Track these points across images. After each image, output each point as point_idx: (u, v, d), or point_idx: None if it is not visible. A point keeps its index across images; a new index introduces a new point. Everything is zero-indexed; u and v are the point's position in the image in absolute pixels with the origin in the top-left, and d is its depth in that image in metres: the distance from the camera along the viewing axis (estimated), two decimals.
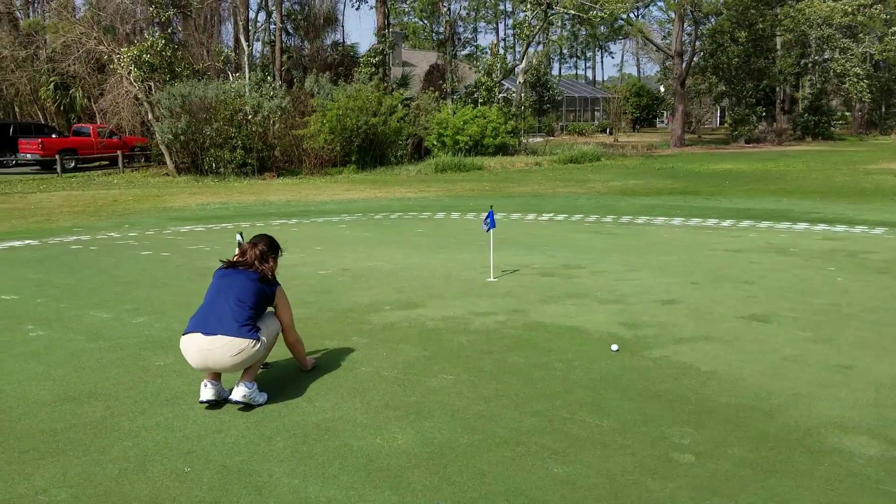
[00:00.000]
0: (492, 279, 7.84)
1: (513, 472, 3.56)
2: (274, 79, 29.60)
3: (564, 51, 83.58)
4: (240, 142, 26.43)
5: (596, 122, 61.54)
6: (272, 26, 32.74)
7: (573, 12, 34.82)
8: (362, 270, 8.46)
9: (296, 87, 29.27)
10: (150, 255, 9.73)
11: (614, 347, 5.42)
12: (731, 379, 4.80)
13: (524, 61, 36.72)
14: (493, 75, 35.53)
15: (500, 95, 36.87)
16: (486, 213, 7.88)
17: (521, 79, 36.97)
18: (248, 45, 29.09)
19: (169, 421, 4.15)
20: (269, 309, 4.61)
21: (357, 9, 67.27)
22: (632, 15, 55.80)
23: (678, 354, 5.30)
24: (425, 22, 71.64)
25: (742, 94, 44.86)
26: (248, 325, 4.24)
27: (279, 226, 12.78)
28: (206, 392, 4.28)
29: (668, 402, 4.41)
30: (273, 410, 4.30)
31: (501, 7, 76.24)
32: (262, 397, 4.39)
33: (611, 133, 52.30)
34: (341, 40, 37.65)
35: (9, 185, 23.69)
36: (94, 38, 26.91)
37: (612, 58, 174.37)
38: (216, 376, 4.35)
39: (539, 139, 43.89)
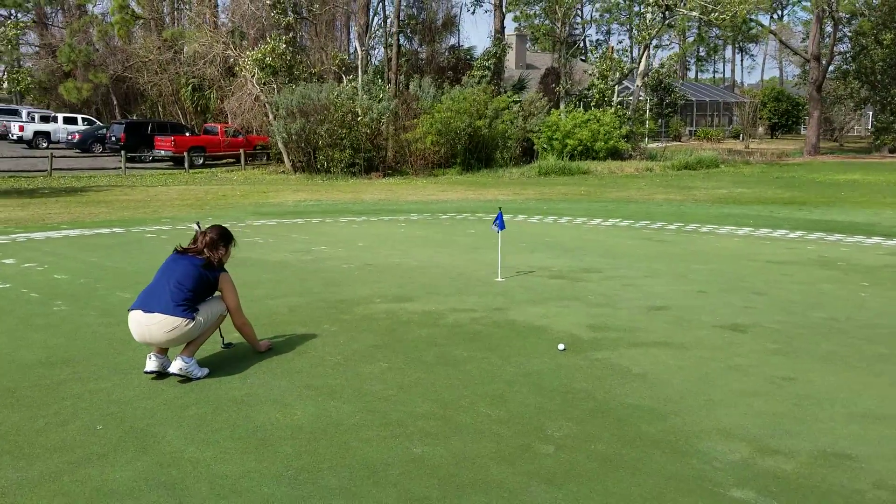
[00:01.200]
0: (499, 279, 8.06)
1: (374, 449, 3.86)
2: (386, 82, 30.59)
3: (700, 53, 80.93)
4: (349, 142, 27.55)
5: (730, 128, 59.36)
6: (390, 30, 33.79)
7: (695, 14, 33.88)
8: (384, 266, 8.89)
9: (405, 89, 30.13)
10: None
11: (560, 347, 5.57)
12: (655, 382, 4.88)
13: (642, 64, 36.08)
14: (609, 78, 35.14)
15: (617, 99, 36.41)
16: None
17: (638, 82, 36.36)
18: (363, 49, 30.21)
19: (112, 387, 4.71)
20: (217, 293, 5.10)
21: (472, 13, 67.82)
22: (765, 16, 53.38)
23: (620, 357, 5.39)
24: (556, 24, 71.44)
25: (887, 100, 42.08)
26: (183, 306, 4.73)
27: (346, 222, 13.42)
28: (150, 364, 4.81)
29: (569, 399, 4.55)
30: (206, 384, 4.79)
31: (636, 9, 74.71)
32: (202, 372, 4.88)
33: (742, 139, 50.34)
34: (458, 44, 38.26)
35: (139, 179, 25.79)
36: (223, 42, 28.76)
37: (753, 60, 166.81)
38: (162, 350, 4.88)
39: (658, 144, 42.94)
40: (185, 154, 29.20)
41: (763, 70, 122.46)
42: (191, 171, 28.78)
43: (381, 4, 32.86)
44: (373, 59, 33.92)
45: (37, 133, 36.36)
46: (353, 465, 3.67)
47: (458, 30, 36.75)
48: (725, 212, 15.28)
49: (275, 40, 27.73)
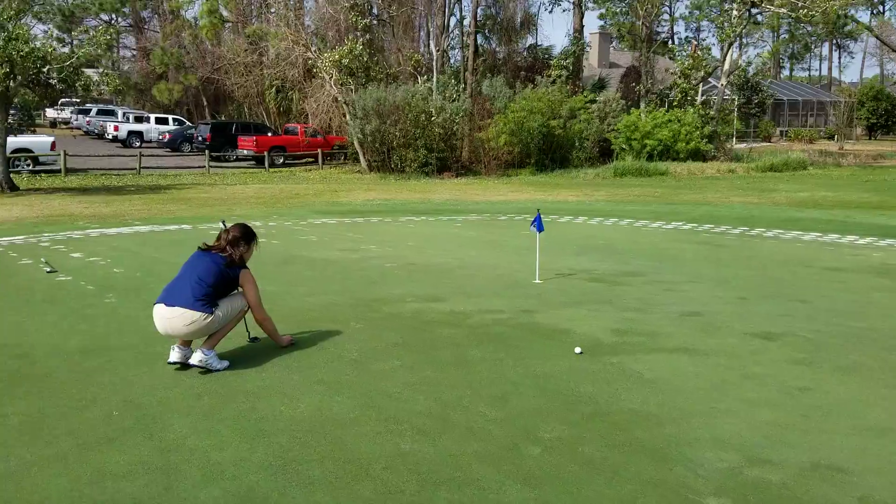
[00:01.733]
0: (537, 281, 8.08)
1: (364, 444, 3.99)
2: (460, 82, 30.77)
3: (794, 50, 78.08)
4: (423, 142, 27.86)
5: (824, 129, 57.10)
6: (467, 30, 33.96)
7: (783, 10, 32.79)
8: (426, 266, 9.03)
9: (479, 89, 30.24)
10: (263, 242, 10.92)
11: (577, 350, 5.58)
12: (664, 388, 4.85)
13: (727, 62, 35.13)
14: (692, 77, 34.37)
15: (700, 98, 35.59)
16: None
17: (723, 80, 35.42)
18: (438, 50, 30.48)
19: (138, 376, 4.99)
20: (239, 289, 5.33)
21: (550, 12, 66.33)
22: (864, 12, 51.13)
23: (636, 362, 5.37)
24: (638, 22, 70.20)
25: None
26: (203, 300, 4.97)
27: (405, 222, 13.63)
28: (174, 354, 5.08)
29: (570, 403, 4.58)
30: (224, 376, 5.02)
31: (725, 5, 72.70)
32: (222, 364, 5.11)
33: (837, 140, 48.38)
34: (538, 43, 38.10)
35: (221, 178, 26.74)
36: (303, 44, 29.51)
37: (852, 58, 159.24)
38: (185, 342, 5.14)
39: (745, 145, 41.73)
40: (266, 154, 30.09)
41: (862, 68, 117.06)
42: (270, 170, 29.65)
43: (457, 5, 33.04)
44: (449, 60, 34.16)
45: (130, 133, 38.09)
46: (339, 458, 3.81)
47: (536, 29, 36.47)
48: (798, 216, 14.81)
49: (351, 42, 28.27)
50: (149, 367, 5.17)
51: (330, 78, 28.96)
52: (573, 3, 36.08)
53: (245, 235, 5.34)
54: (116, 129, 38.21)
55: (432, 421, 4.30)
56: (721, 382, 4.98)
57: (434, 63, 29.50)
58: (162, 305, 5.01)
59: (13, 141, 25.72)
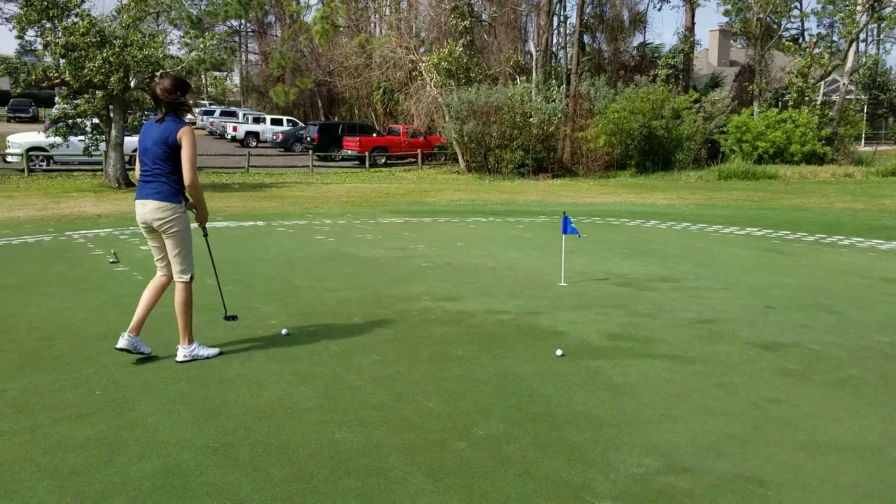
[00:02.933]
0: (562, 283, 8.08)
1: (303, 431, 4.20)
2: (561, 82, 30.57)
3: None
4: (520, 143, 27.90)
5: None
6: (571, 30, 33.68)
7: None
8: (460, 265, 9.17)
9: (580, 89, 29.95)
10: (315, 239, 11.35)
11: (558, 352, 5.60)
12: (626, 393, 4.83)
13: (849, 60, 33.28)
14: (808, 76, 32.77)
15: (820, 98, 33.89)
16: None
17: (845, 79, 33.60)
18: (538, 50, 30.40)
19: (136, 360, 5.40)
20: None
21: (658, 9, 63.22)
22: None
23: (613, 367, 5.35)
24: (771, 17, 67.23)
25: None
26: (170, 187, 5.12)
27: (469, 223, 13.79)
28: (121, 341, 5.27)
29: (521, 402, 4.64)
30: (210, 364, 5.34)
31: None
32: (209, 351, 5.44)
33: None
34: (646, 41, 37.31)
35: (322, 177, 27.73)
36: (405, 47, 30.15)
37: None
38: (134, 329, 5.32)
39: (871, 148, 39.37)
40: (368, 154, 30.93)
41: None
42: (371, 169, 30.46)
43: (560, 4, 32.85)
44: (551, 59, 33.98)
45: (248, 133, 39.99)
46: (271, 443, 4.05)
47: (645, 27, 35.73)
48: (892, 224, 13.98)
49: (451, 45, 28.64)
50: (151, 354, 5.57)
51: (430, 80, 29.44)
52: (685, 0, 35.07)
53: (180, 85, 5.11)
54: (235, 129, 40.21)
55: (377, 413, 4.47)
56: (688, 390, 4.90)
57: (534, 63, 29.46)
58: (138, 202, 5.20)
59: (133, 140, 27.60)
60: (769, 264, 9.62)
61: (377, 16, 38.74)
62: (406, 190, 22.88)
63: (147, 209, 5.18)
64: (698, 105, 30.25)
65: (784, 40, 38.21)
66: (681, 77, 33.72)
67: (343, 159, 33.58)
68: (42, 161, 26.48)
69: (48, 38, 20.16)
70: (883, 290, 8.10)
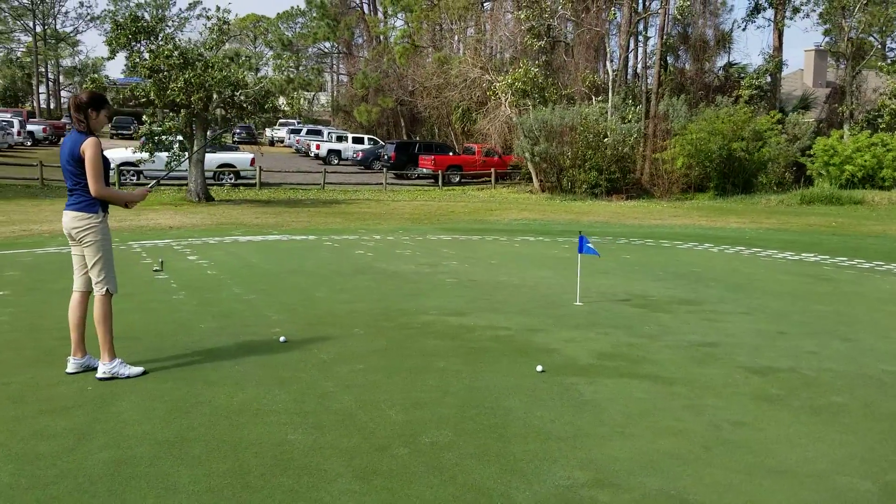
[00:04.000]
0: (578, 303, 8.09)
1: (258, 432, 4.40)
2: (640, 101, 30.26)
3: None
4: (594, 163, 27.75)
5: None
6: (651, 50, 33.33)
7: None
8: (482, 283, 9.27)
9: (658, 109, 29.58)
10: (355, 254, 11.65)
11: (539, 368, 5.66)
12: (589, 411, 4.85)
13: None
14: None
15: None
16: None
17: None
18: (615, 70, 30.20)
19: (137, 361, 5.76)
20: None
21: (743, 29, 60.88)
22: None
23: (589, 384, 5.37)
24: (874, 37, 64.54)
25: None
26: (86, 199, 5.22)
27: (516, 241, 13.86)
28: (69, 366, 5.46)
29: (479, 414, 4.72)
30: (203, 367, 5.65)
31: None
32: (132, 371, 5.36)
33: None
34: (732, 61, 36.52)
35: (394, 194, 28.25)
36: (481, 67, 30.49)
37: None
38: (78, 351, 5.46)
39: None
40: (441, 172, 31.33)
41: None
42: (444, 188, 30.83)
43: (641, 22, 32.58)
44: (629, 79, 33.68)
45: (330, 151, 41.13)
46: (225, 441, 4.27)
47: (730, 46, 34.99)
48: None
49: (525, 65, 28.80)
50: (155, 354, 5.92)
51: (505, 99, 29.66)
52: (771, 20, 34.21)
53: (92, 100, 5.21)
54: (318, 147, 41.42)
55: (335, 418, 4.65)
56: (653, 409, 4.89)
57: (610, 83, 29.29)
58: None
59: (218, 157, 28.83)
60: (805, 290, 9.34)
61: (455, 37, 39.30)
62: (472, 208, 23.09)
63: (67, 219, 5.35)
64: (781, 127, 29.39)
65: (886, 61, 36.60)
66: (765, 98, 32.82)
67: (418, 177, 34.11)
68: (133, 175, 27.95)
69: (136, 60, 21.41)
70: None
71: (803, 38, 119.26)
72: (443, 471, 3.94)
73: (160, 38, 21.52)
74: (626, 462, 4.09)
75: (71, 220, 5.34)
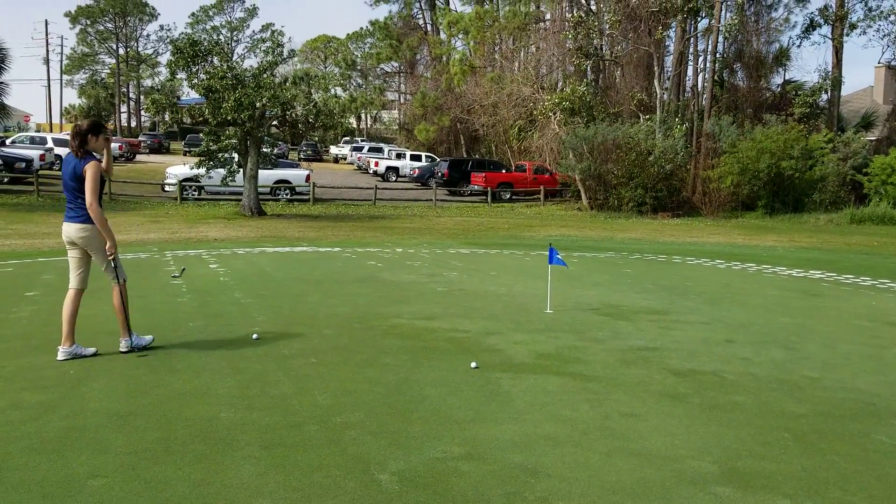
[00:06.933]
0: (548, 311, 8.58)
1: (194, 410, 5.06)
2: (689, 119, 30.28)
3: None
4: (640, 181, 27.92)
5: None
6: (703, 68, 33.29)
7: None
8: (470, 292, 9.82)
9: (707, 128, 29.55)
10: (366, 264, 12.33)
11: (473, 365, 6.21)
12: (498, 403, 5.35)
13: None
14: None
15: None
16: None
17: None
18: (664, 88, 30.31)
19: (122, 351, 6.55)
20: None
21: (798, 46, 58.83)
22: None
23: (510, 380, 5.87)
24: None
25: None
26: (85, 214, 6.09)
27: (531, 256, 14.33)
28: (59, 354, 6.29)
29: (389, 401, 5.30)
30: (176, 353, 6.38)
31: None
32: (145, 340, 6.49)
33: None
34: (789, 78, 36.07)
35: (441, 210, 28.96)
36: (532, 86, 31.04)
37: None
38: (67, 342, 6.29)
39: None
40: (491, 189, 31.93)
41: None
42: (493, 204, 31.40)
43: (691, 41, 32.60)
44: (679, 97, 33.66)
45: (388, 168, 42.26)
46: (161, 416, 4.95)
47: (786, 64, 34.62)
48: None
49: (573, 85, 29.21)
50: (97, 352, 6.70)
51: (553, 117, 30.11)
52: (827, 36, 33.74)
53: (91, 127, 6.01)
54: (377, 164, 42.58)
55: (269, 401, 5.29)
56: (555, 401, 5.37)
57: (658, 101, 29.43)
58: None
59: (275, 173, 30.09)
60: (782, 304, 9.59)
61: (510, 55, 39.98)
62: (512, 224, 23.59)
63: (71, 230, 6.21)
64: (831, 145, 28.99)
65: None
66: (821, 116, 32.37)
67: (471, 194, 34.78)
68: (194, 191, 29.46)
69: (193, 81, 22.80)
70: (874, 333, 7.98)
71: (874, 54, 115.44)
72: (339, 444, 4.53)
73: (216, 60, 22.85)
74: (503, 441, 4.60)
75: (75, 231, 6.23)
